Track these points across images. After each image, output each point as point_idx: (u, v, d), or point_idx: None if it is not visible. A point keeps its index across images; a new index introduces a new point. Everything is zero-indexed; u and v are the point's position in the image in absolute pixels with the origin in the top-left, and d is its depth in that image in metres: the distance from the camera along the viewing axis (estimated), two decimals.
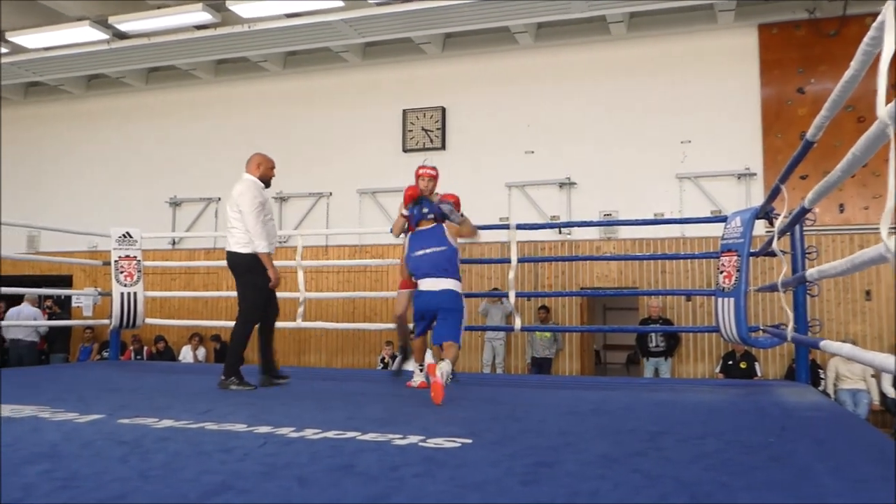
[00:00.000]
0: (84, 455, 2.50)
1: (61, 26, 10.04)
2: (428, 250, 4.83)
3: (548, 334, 9.64)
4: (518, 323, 6.27)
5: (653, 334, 9.25)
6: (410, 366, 7.45)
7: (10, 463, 2.35)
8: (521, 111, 10.46)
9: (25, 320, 10.04)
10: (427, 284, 4.79)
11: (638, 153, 9.83)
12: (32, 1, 9.56)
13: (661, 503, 1.91)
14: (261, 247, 4.77)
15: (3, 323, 10.15)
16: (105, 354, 10.37)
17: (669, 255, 9.28)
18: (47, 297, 11.44)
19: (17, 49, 10.74)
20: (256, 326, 5.00)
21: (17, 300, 10.45)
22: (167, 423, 3.17)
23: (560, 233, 10.07)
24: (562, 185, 10.13)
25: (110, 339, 7.59)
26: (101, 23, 9.93)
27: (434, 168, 5.14)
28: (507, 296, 6.19)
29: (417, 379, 5.04)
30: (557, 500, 1.94)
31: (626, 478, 2.18)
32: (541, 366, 9.64)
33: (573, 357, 10.00)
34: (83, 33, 10.12)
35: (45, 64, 11.18)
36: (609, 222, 9.48)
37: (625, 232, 9.77)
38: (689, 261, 9.46)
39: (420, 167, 5.16)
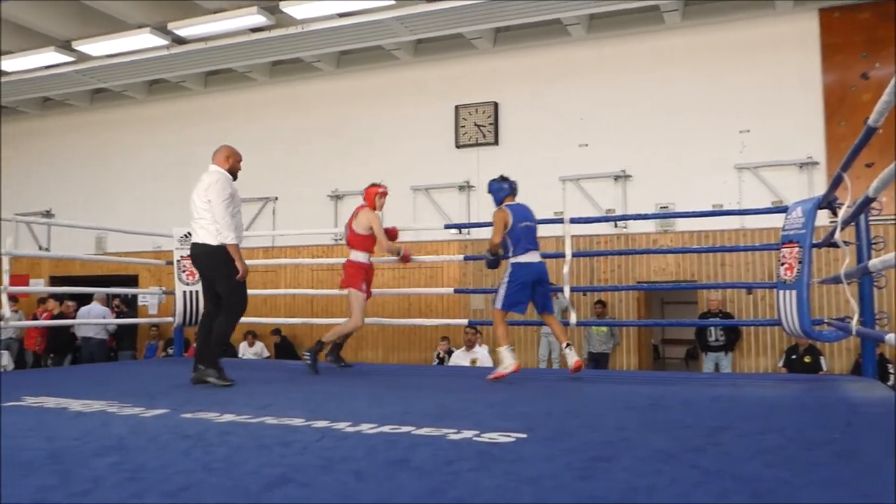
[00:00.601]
0: (150, 448, 2.60)
1: (123, 34, 10.38)
2: (528, 223, 5.24)
3: (604, 329, 9.54)
4: (574, 318, 6.22)
5: (712, 328, 9.08)
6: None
7: (81, 455, 2.46)
8: (575, 104, 10.36)
9: (95, 318, 10.44)
10: (533, 256, 5.21)
11: (695, 144, 9.64)
12: (95, 5, 9.88)
13: (719, 501, 1.88)
14: (229, 238, 4.71)
15: (75, 321, 10.59)
16: (170, 351, 10.67)
17: (728, 247, 9.08)
18: (115, 296, 11.83)
19: (83, 57, 11.13)
20: (203, 316, 5.05)
21: (87, 299, 10.87)
22: (228, 417, 3.25)
23: (616, 226, 9.94)
24: (617, 177, 10.00)
25: (174, 337, 7.80)
26: (161, 29, 10.23)
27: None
28: (562, 290, 6.14)
29: (510, 364, 5.00)
30: (613, 496, 1.93)
31: (683, 473, 2.15)
32: (598, 361, 9.55)
33: (630, 352, 9.88)
34: (144, 40, 10.45)
35: (109, 71, 11.55)
36: (666, 215, 9.26)
37: (682, 224, 9.59)
38: (749, 253, 9.22)
39: (381, 186, 6.41)
